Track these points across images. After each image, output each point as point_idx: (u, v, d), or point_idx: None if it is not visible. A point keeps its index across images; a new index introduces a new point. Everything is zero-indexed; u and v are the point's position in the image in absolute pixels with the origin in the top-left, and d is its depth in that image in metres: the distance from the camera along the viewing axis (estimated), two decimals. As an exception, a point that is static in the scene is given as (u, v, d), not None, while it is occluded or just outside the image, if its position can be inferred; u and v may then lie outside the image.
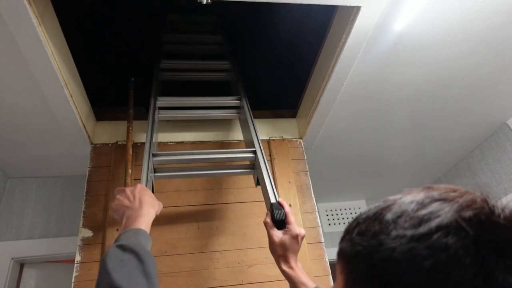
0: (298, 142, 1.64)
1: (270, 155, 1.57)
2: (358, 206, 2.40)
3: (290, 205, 1.43)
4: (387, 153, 1.91)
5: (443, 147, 1.92)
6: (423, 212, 0.33)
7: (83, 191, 1.41)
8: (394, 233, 0.33)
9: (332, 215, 2.35)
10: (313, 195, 1.50)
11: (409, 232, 0.32)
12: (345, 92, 1.40)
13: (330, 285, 1.31)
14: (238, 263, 1.32)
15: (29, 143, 1.51)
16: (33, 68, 1.10)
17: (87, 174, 1.42)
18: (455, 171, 2.13)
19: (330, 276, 1.34)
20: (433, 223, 0.31)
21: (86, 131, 1.43)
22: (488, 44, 1.27)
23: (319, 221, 1.44)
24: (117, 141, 1.51)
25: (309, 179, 1.54)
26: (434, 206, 0.33)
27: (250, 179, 1.47)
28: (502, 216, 0.32)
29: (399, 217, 0.34)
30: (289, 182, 1.50)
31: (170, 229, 1.35)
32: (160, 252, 1.30)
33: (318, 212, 2.28)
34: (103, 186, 1.41)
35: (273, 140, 1.61)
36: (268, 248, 0.96)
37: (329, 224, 2.31)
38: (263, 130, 1.65)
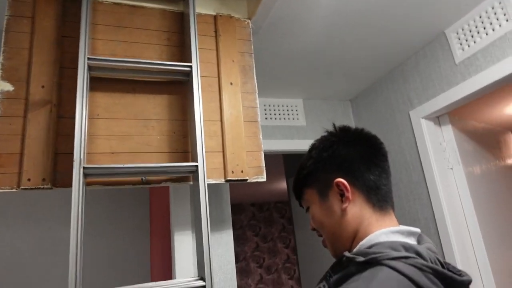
0: (246, 22, 1.57)
1: (215, 31, 1.50)
2: (295, 104, 2.48)
3: (231, 83, 1.43)
4: (334, 48, 1.92)
5: (384, 50, 1.98)
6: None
7: None
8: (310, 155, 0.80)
9: (270, 110, 2.41)
10: (255, 77, 1.50)
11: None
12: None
13: (261, 159, 1.40)
14: (174, 132, 1.32)
15: None
16: None
17: (5, 23, 1.24)
18: (389, 77, 2.24)
19: (262, 152, 1.41)
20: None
21: (1, -30, 1.22)
22: None
23: (257, 102, 1.46)
24: (40, -10, 1.31)
25: (253, 60, 1.51)
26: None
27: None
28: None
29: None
30: (233, 61, 1.47)
31: (103, 93, 1.28)
32: (91, 115, 1.25)
33: (257, 105, 2.31)
34: (25, 38, 1.25)
35: (220, 16, 1.52)
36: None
37: (266, 118, 2.38)
38: (211, 4, 1.54)
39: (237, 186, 4.88)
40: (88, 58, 1.18)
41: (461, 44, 1.77)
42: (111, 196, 1.86)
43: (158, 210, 1.83)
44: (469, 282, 0.62)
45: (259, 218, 6.67)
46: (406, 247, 0.61)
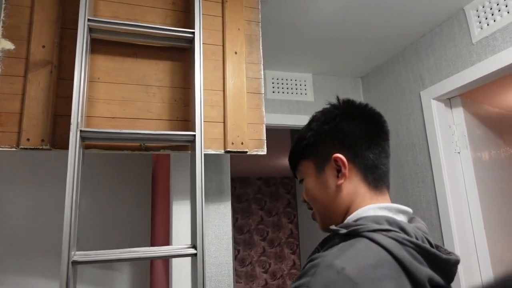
0: (254, -11, 1.51)
1: (222, -2, 1.45)
2: (304, 79, 2.42)
3: (236, 53, 1.39)
4: (347, 23, 1.86)
5: (399, 26, 1.90)
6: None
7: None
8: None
9: (278, 83, 2.37)
10: (261, 48, 1.45)
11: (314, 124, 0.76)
12: None
13: (263, 132, 1.38)
14: (175, 100, 1.31)
15: None
16: None
17: (7, -20, 1.22)
18: (402, 55, 2.17)
19: (264, 125, 1.39)
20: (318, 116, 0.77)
21: None
22: None
23: (262, 73, 1.43)
24: None
25: (260, 30, 1.47)
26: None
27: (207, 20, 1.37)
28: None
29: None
30: (239, 29, 1.43)
31: (105, 56, 1.26)
32: (92, 78, 1.23)
33: (264, 79, 2.28)
34: (26, -4, 1.23)
35: (228, -19, 1.47)
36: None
37: (273, 92, 2.34)
38: (219, -31, 1.48)
39: (244, 159, 4.89)
40: (89, 20, 1.15)
41: (479, 23, 1.68)
42: (114, 161, 1.88)
43: (160, 178, 1.84)
44: (456, 261, 0.61)
45: (265, 192, 6.72)
46: (390, 221, 0.61)
